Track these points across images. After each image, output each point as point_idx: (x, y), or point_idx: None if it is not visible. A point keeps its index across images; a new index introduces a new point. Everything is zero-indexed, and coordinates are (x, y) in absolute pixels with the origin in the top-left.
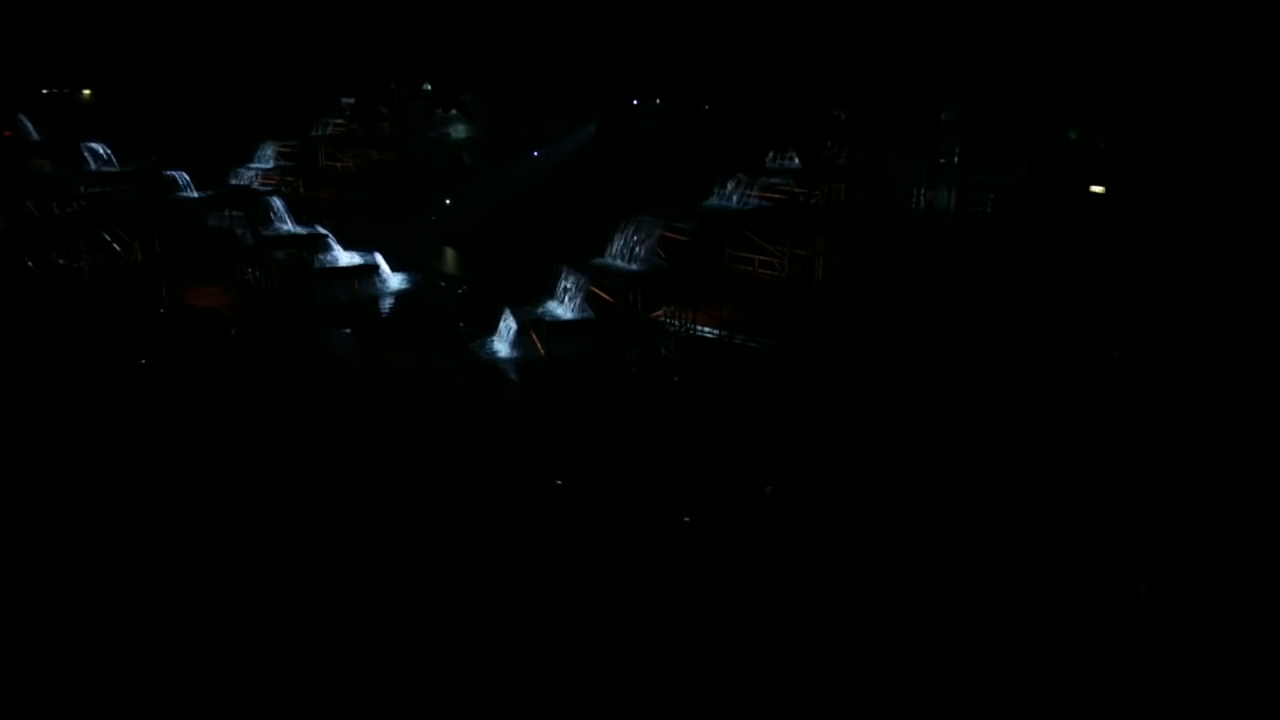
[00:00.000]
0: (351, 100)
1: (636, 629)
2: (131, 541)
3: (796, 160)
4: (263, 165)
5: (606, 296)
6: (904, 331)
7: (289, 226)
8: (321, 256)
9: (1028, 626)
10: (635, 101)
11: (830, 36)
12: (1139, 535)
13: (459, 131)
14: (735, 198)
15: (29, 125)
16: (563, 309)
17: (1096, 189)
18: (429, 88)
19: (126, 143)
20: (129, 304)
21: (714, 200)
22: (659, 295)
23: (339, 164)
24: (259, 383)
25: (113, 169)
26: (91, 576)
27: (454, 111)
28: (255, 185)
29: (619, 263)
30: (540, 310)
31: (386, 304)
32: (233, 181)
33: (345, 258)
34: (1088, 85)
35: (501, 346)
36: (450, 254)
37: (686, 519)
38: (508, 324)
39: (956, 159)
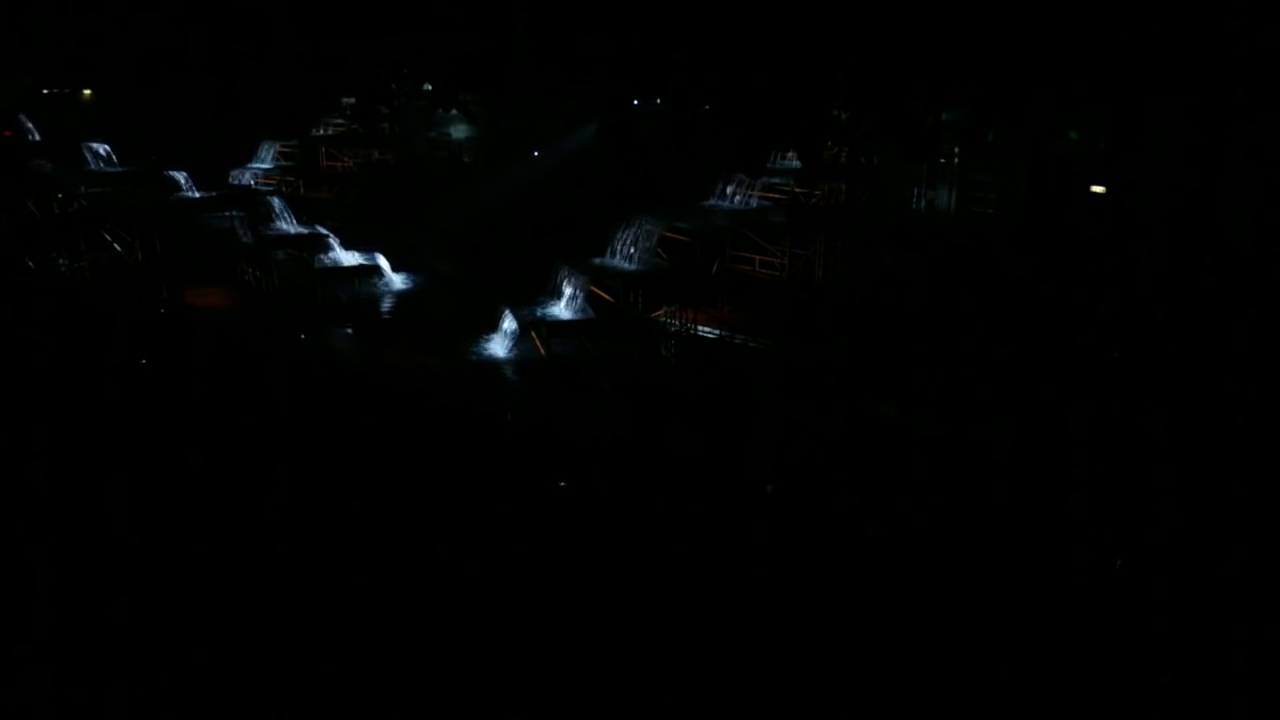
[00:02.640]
0: (351, 100)
1: (639, 629)
2: (133, 540)
3: (797, 160)
4: (263, 165)
5: (606, 296)
6: (904, 332)
7: (289, 226)
8: (322, 256)
9: (1024, 625)
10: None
11: (830, 37)
12: (1136, 534)
13: (459, 131)
14: (735, 198)
15: (29, 125)
16: (563, 309)
17: (1097, 189)
18: (429, 88)
19: (126, 143)
20: (129, 304)
21: (714, 200)
22: (659, 295)
23: (339, 164)
24: (260, 383)
25: (113, 169)
26: (93, 575)
27: (454, 111)
28: (255, 185)
29: (619, 263)
30: (540, 310)
31: (387, 304)
32: (233, 181)
33: (346, 258)
34: (1088, 85)
35: (501, 346)
36: (451, 254)
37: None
38: (508, 324)
39: (956, 159)
